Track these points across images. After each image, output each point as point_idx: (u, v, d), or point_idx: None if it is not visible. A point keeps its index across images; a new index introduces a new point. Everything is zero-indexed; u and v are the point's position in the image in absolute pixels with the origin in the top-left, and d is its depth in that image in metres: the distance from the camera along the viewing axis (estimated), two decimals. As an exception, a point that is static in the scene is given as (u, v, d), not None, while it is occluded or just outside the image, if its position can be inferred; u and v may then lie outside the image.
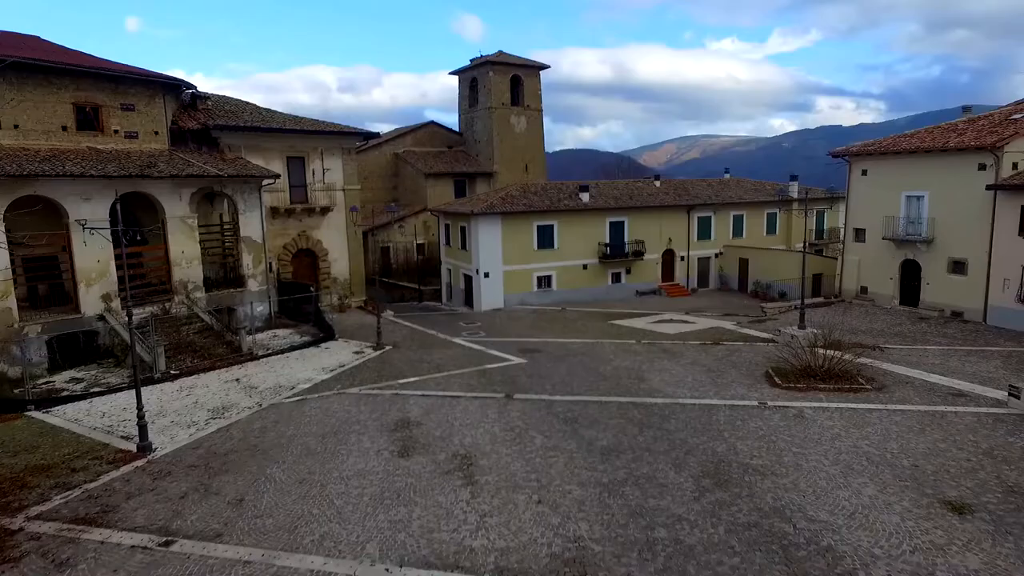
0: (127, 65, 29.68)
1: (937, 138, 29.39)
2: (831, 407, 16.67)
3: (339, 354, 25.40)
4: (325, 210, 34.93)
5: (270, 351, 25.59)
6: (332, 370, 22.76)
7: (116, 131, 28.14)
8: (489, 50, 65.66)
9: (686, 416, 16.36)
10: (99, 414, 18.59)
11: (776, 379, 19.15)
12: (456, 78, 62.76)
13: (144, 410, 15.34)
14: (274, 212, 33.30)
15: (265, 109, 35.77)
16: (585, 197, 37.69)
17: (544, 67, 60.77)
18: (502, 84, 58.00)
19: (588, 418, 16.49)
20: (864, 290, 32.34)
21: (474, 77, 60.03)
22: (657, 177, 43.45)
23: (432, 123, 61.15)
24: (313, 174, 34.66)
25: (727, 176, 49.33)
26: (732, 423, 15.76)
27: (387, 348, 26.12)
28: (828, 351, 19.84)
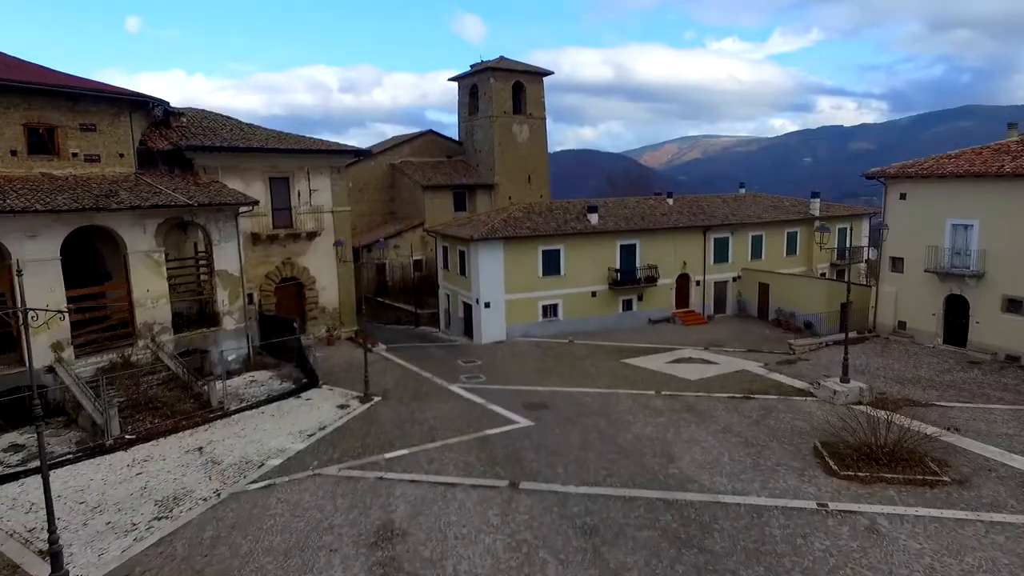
0: (87, 80, 26.57)
1: (989, 161, 26.21)
2: (909, 514, 13.53)
3: (321, 408, 22.30)
4: (312, 235, 31.78)
5: (243, 404, 22.48)
6: (311, 434, 19.66)
7: (75, 154, 25.03)
8: (490, 54, 62.40)
9: (732, 527, 13.22)
10: (26, 505, 15.51)
11: (830, 462, 16.01)
12: (456, 84, 59.68)
13: (72, 508, 12.26)
14: (255, 238, 30.15)
15: (248, 125, 32.64)
16: (594, 219, 34.54)
17: (547, 73, 57.61)
18: (503, 92, 54.84)
19: (612, 527, 13.35)
20: (902, 325, 29.19)
21: (474, 84, 56.88)
22: (670, 194, 40.26)
23: (431, 132, 57.99)
24: (298, 196, 31.52)
25: (742, 191, 46.13)
26: (792, 541, 12.62)
27: (375, 400, 23.01)
28: (885, 415, 16.74)
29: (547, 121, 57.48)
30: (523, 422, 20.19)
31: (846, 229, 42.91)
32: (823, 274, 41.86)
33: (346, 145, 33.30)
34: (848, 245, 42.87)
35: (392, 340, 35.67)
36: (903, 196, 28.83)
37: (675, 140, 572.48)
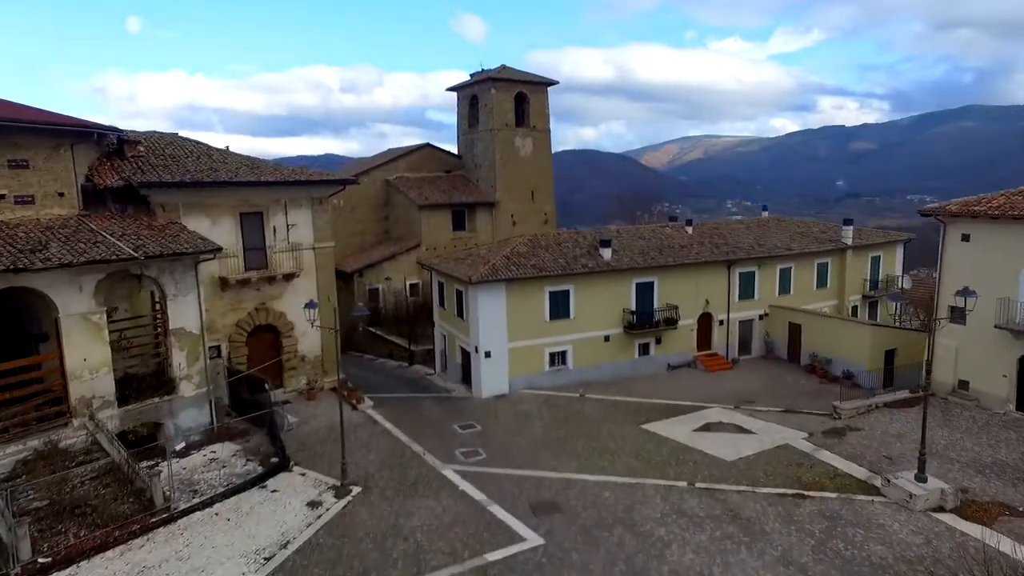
0: (18, 106, 22.64)
1: (1075, 202, 22.23)
2: None
3: (288, 506, 18.35)
4: (289, 276, 27.83)
5: (195, 499, 18.58)
6: (268, 556, 15.75)
7: (2, 196, 21.12)
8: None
9: None
10: None
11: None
12: (454, 94, 55.71)
13: None
14: (223, 283, 26.18)
15: (218, 151, 28.60)
16: (607, 254, 30.53)
17: (551, 83, 53.60)
18: (505, 103, 50.85)
19: None
20: (964, 385, 25.24)
21: (474, 94, 52.89)
22: (689, 222, 36.21)
23: (428, 146, 53.98)
24: (274, 232, 27.54)
25: (765, 215, 42.16)
26: None
27: (353, 493, 19.08)
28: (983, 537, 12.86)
29: (550, 125, 53.54)
30: (531, 539, 16.23)
31: (879, 257, 38.91)
32: (855, 307, 37.92)
33: (328, 175, 29.25)
34: (880, 276, 38.91)
35: (381, 387, 31.78)
36: (966, 238, 24.85)
37: (676, 140, 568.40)
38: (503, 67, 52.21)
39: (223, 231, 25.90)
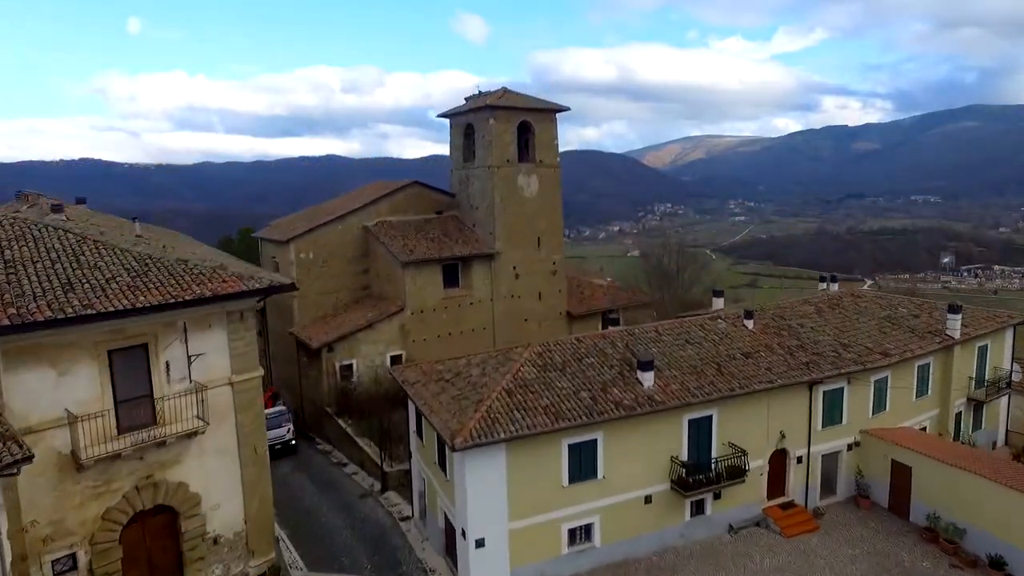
0: None
1: None
2: None
3: None
4: (192, 433, 18.69)
5: None
6: None
7: None
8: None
9: None
10: None
11: None
12: (445, 116, 46.49)
13: None
14: (78, 464, 17.00)
15: (99, 243, 19.34)
16: (648, 379, 21.30)
17: (561, 109, 44.25)
18: (506, 135, 41.56)
19: None
20: None
21: (469, 123, 43.63)
22: (749, 314, 26.75)
23: (416, 183, 44.63)
24: (167, 371, 18.39)
25: (835, 287, 32.88)
26: None
27: None
28: None
29: (559, 158, 44.36)
30: None
31: (986, 347, 29.65)
32: (958, 414, 28.69)
33: (251, 282, 19.75)
34: (987, 370, 29.68)
35: (330, 550, 22.76)
36: None
37: (678, 140, 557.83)
38: (504, 91, 42.88)
39: (78, 384, 16.76)
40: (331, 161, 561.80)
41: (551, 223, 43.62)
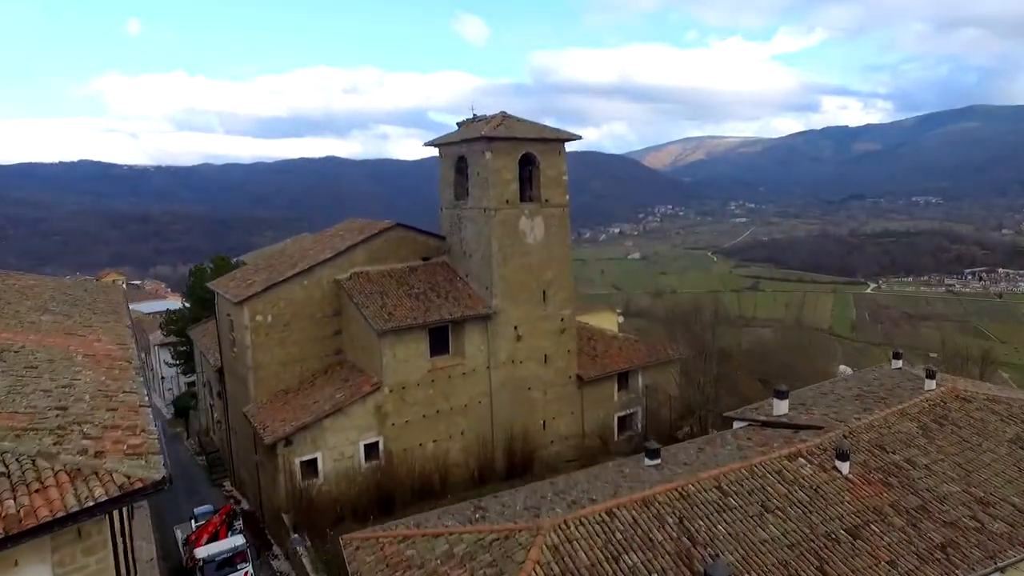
0: None
1: None
2: None
3: None
4: None
5: None
6: None
7: None
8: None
9: None
10: None
11: None
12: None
13: None
14: None
15: None
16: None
17: (571, 138, 36.69)
18: (506, 170, 34.05)
19: None
20: None
21: (462, 155, 36.18)
22: (844, 457, 18.93)
23: (398, 226, 37.01)
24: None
25: (931, 385, 25.25)
26: None
27: None
28: None
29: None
30: None
31: None
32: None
33: (84, 496, 12.03)
34: None
35: None
36: None
37: (678, 141, 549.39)
38: (503, 118, 35.34)
39: None
40: (331, 162, 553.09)
41: (559, 273, 36.11)
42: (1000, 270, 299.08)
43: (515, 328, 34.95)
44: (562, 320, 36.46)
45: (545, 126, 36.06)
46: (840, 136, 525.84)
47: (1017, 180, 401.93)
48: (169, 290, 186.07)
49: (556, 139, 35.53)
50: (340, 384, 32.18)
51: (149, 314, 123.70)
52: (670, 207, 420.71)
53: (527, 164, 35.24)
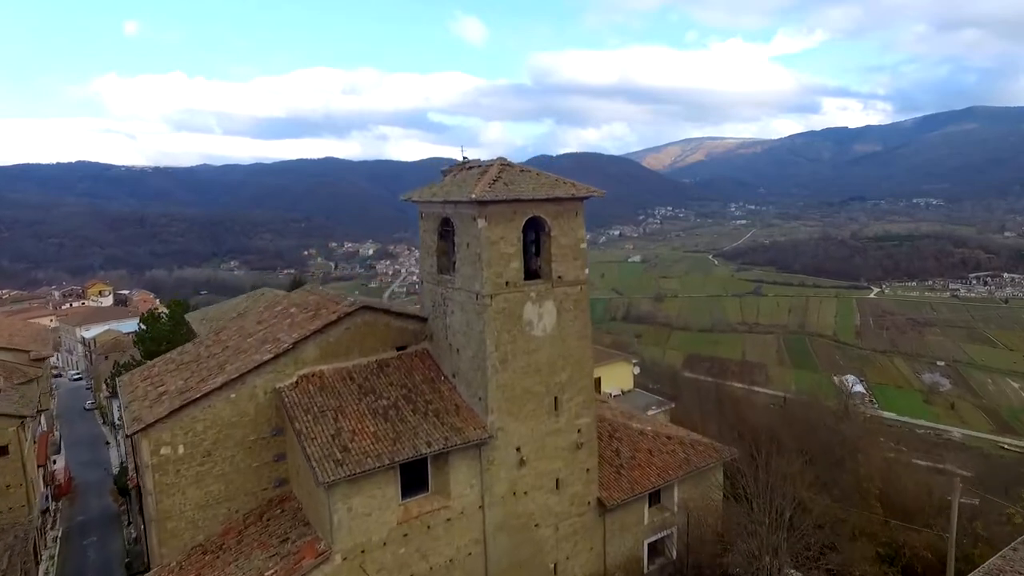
0: None
1: None
2: None
3: None
4: None
5: None
6: None
7: None
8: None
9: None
10: None
11: None
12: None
13: None
14: None
15: None
16: None
17: (593, 194, 27.25)
18: (505, 242, 24.66)
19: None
20: None
21: (447, 217, 26.81)
22: None
23: (365, 308, 27.55)
24: None
25: None
26: None
27: None
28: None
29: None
30: None
31: None
32: None
33: None
34: None
35: None
36: None
37: (678, 142, 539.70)
38: (501, 167, 25.92)
39: None
40: (330, 163, 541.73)
41: (576, 371, 26.77)
42: (1005, 275, 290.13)
43: (517, 450, 25.67)
44: (579, 432, 27.15)
45: (558, 180, 26.55)
46: (840, 137, 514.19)
47: (1018, 181, 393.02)
48: (158, 301, 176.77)
49: (572, 198, 26.08)
50: (275, 546, 22.80)
51: (129, 334, 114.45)
52: (670, 209, 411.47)
53: (533, 227, 25.91)
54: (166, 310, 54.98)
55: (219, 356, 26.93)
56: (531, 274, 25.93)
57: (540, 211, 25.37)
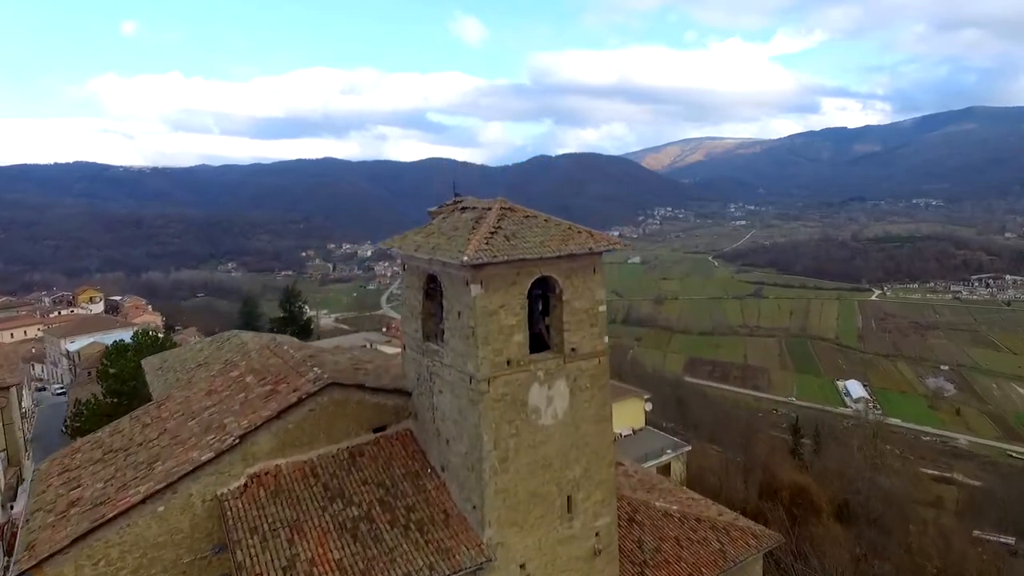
0: None
1: None
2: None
3: None
4: None
5: None
6: None
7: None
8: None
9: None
10: None
11: None
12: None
13: None
14: None
15: None
16: None
17: (614, 246, 21.80)
18: (507, 311, 19.15)
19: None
20: None
21: (433, 274, 21.35)
22: None
23: (334, 385, 21.98)
24: None
25: None
26: None
27: None
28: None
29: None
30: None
31: None
32: None
33: None
34: None
35: None
36: None
37: (677, 142, 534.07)
38: (502, 211, 20.52)
39: None
40: (329, 163, 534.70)
41: (593, 463, 21.39)
42: (1007, 277, 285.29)
43: (522, 567, 20.30)
44: (597, 535, 21.79)
45: (570, 228, 21.03)
46: (839, 137, 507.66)
47: (1018, 181, 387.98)
48: (150, 307, 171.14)
49: (590, 253, 20.63)
50: None
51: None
52: (669, 209, 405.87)
53: (541, 287, 20.51)
54: (134, 341, 49.65)
55: (153, 445, 21.53)
56: (536, 339, 20.53)
57: (549, 270, 19.95)
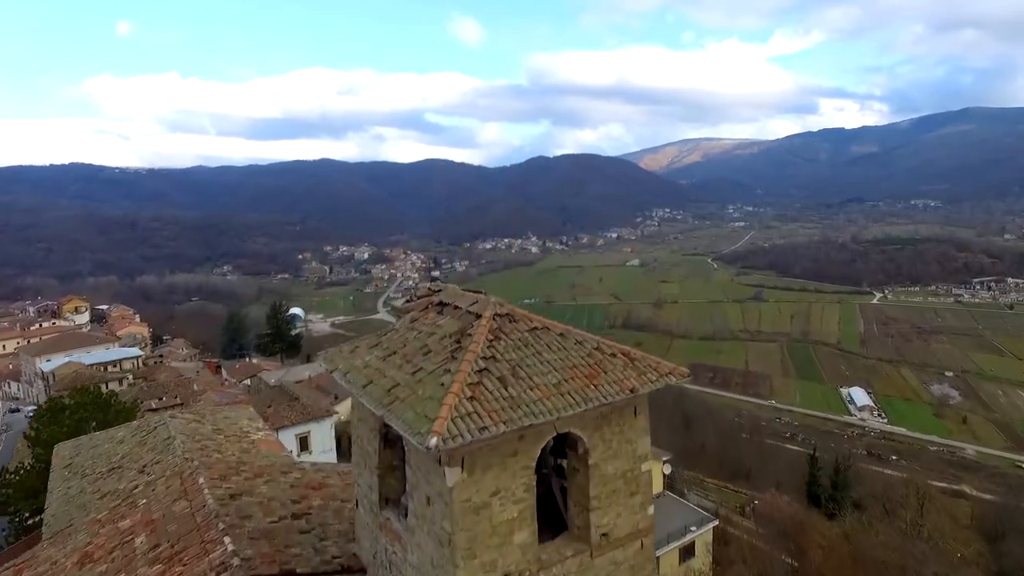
0: None
1: None
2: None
3: None
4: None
5: None
6: None
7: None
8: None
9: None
10: None
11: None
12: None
13: None
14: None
15: None
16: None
17: (662, 381, 14.41)
18: (504, 501, 11.76)
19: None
20: None
21: (396, 433, 13.73)
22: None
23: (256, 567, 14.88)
24: None
25: None
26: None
27: None
28: None
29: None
30: None
31: None
32: None
33: None
34: None
35: None
36: None
37: (675, 143, 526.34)
38: (496, 318, 13.04)
39: None
40: (326, 164, 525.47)
41: None
42: (1009, 280, 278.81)
43: None
44: None
45: (599, 351, 13.60)
46: (837, 138, 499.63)
47: (1016, 182, 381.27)
48: (137, 317, 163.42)
49: (632, 394, 13.19)
50: None
51: (92, 366, 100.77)
52: (668, 210, 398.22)
53: (557, 448, 13.12)
54: (71, 400, 42.19)
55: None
56: (547, 525, 13.24)
57: (569, 424, 12.57)
